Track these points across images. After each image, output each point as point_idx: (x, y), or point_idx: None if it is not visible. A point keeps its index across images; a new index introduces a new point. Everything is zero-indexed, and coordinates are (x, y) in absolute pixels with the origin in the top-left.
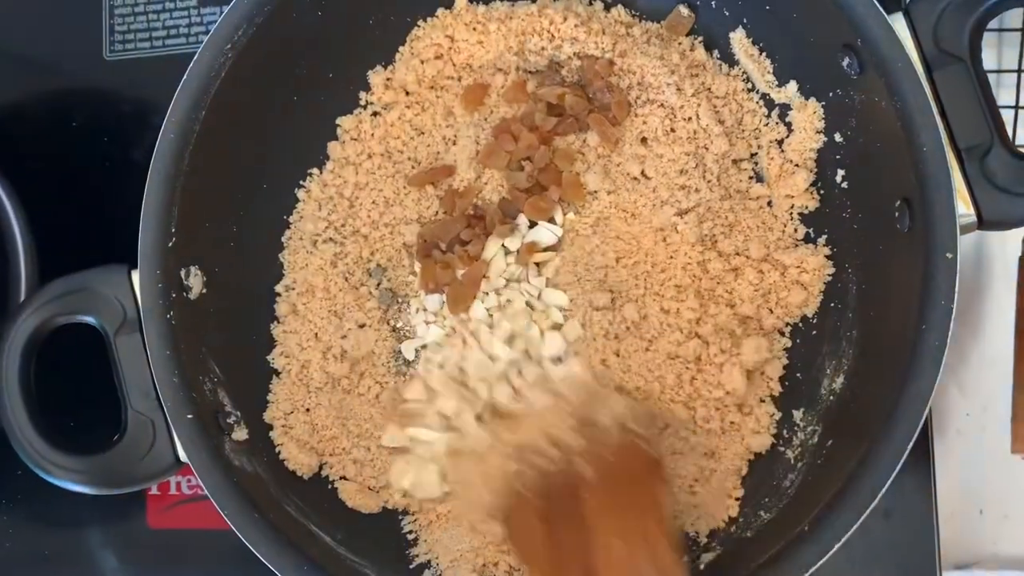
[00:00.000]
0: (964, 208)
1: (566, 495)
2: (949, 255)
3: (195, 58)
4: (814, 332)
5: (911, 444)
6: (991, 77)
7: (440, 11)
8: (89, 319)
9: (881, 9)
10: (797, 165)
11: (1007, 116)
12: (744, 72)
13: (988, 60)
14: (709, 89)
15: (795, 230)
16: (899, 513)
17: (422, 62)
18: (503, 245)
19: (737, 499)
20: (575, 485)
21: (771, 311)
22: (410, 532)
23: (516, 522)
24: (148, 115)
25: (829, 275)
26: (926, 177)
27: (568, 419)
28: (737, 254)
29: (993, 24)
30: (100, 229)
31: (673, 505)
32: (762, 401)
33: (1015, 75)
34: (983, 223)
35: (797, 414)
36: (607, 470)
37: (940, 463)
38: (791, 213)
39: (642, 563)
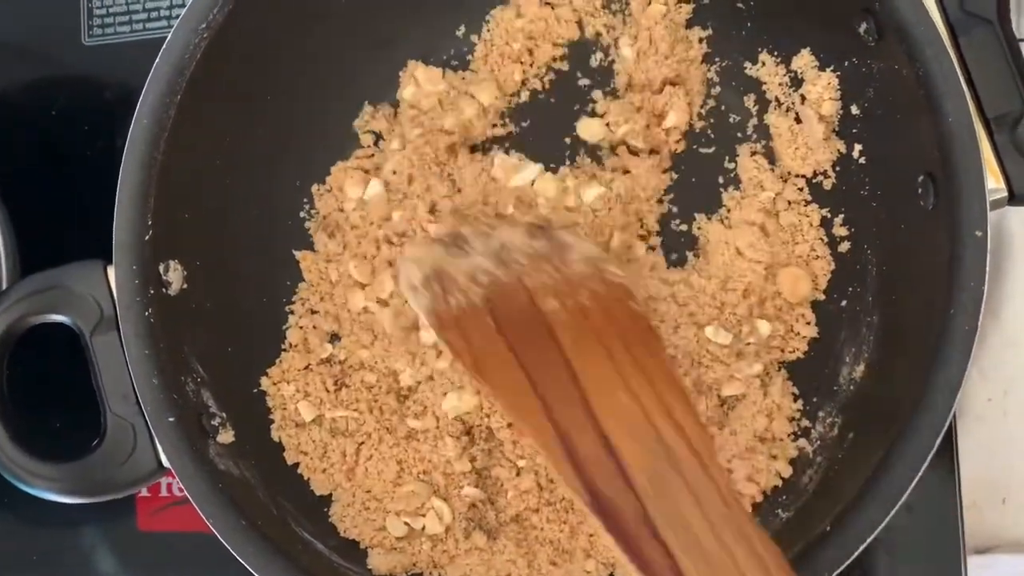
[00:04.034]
0: (993, 182)
1: (535, 330)
2: (979, 233)
3: (168, 39)
4: (831, 317)
5: (940, 436)
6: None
7: None
8: (63, 318)
9: None
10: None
11: None
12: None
13: (1017, 29)
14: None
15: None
16: (921, 505)
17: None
18: None
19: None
20: (543, 321)
21: None
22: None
23: (479, 348)
24: (130, 101)
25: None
26: (952, 149)
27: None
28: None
29: None
30: (83, 220)
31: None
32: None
33: None
34: (1014, 198)
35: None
36: (581, 311)
37: (961, 450)
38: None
39: (656, 417)
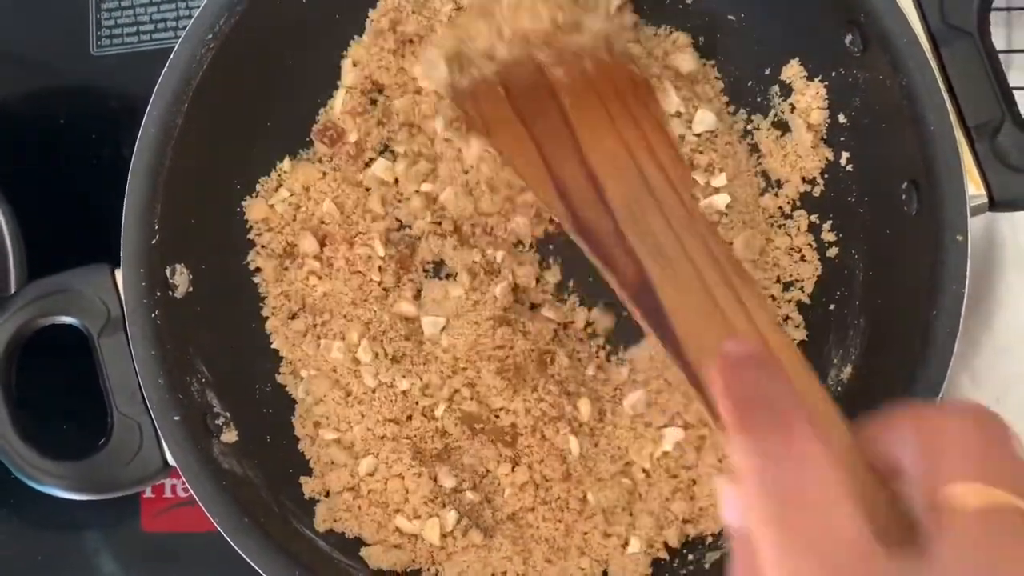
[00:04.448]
0: (974, 189)
1: (540, 94)
2: (959, 238)
3: (175, 49)
4: (819, 321)
5: None
6: (1000, 58)
7: None
8: (71, 320)
9: None
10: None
11: (1018, 97)
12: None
13: (997, 41)
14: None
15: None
16: None
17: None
18: None
19: None
20: (548, 86)
21: None
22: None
23: (490, 116)
24: (136, 111)
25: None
26: (934, 157)
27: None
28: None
29: (1000, 3)
30: (90, 227)
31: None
32: None
33: None
34: (994, 204)
35: None
36: (584, 76)
37: None
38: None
39: (640, 155)
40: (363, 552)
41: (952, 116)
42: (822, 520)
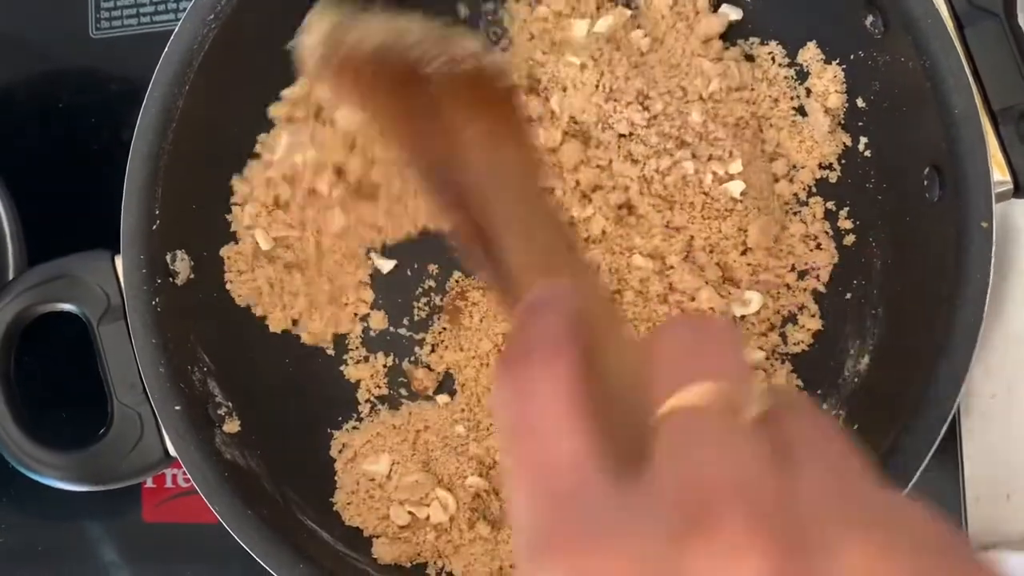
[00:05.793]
0: (999, 174)
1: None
2: (984, 224)
3: (176, 29)
4: (836, 310)
5: (944, 429)
6: None
7: None
8: (70, 307)
9: None
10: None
11: None
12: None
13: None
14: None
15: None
16: (924, 500)
17: None
18: None
19: None
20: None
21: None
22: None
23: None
24: (137, 94)
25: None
26: (958, 142)
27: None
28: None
29: None
30: (90, 212)
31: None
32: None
33: None
34: (1020, 191)
35: (819, 397)
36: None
37: (965, 447)
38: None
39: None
40: (368, 544)
41: (977, 99)
42: (543, 451)
